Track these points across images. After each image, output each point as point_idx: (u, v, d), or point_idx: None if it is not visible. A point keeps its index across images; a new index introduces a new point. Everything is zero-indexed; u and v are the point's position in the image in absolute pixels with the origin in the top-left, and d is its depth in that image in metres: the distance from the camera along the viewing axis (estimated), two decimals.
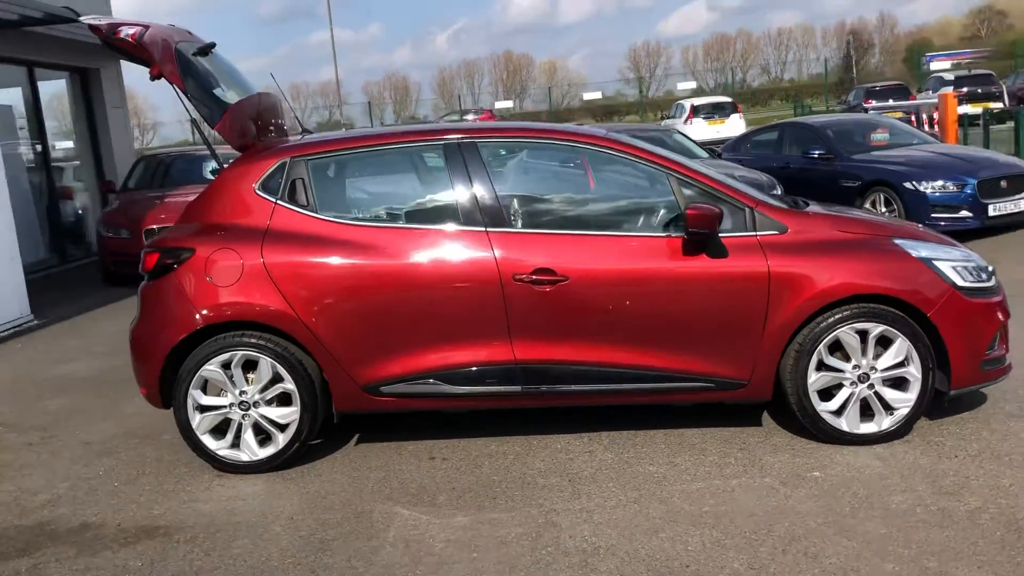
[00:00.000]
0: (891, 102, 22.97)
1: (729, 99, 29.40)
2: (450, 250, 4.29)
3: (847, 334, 4.17)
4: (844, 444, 4.26)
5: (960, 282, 4.22)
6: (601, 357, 4.27)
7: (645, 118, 46.06)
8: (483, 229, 4.30)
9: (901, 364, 4.20)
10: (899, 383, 4.25)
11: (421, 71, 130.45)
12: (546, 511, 3.83)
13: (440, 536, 3.67)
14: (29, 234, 12.51)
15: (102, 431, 5.33)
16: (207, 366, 4.32)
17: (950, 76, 26.71)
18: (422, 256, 4.29)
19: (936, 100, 15.71)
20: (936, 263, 4.22)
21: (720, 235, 4.19)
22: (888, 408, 4.25)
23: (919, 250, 4.26)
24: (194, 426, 4.38)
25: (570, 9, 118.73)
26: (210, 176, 12.03)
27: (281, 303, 4.28)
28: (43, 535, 3.95)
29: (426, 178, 4.82)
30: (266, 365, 4.32)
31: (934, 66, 38.22)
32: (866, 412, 4.27)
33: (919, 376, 4.19)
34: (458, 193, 4.38)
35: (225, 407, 4.38)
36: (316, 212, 4.41)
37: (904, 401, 4.23)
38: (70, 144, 14.79)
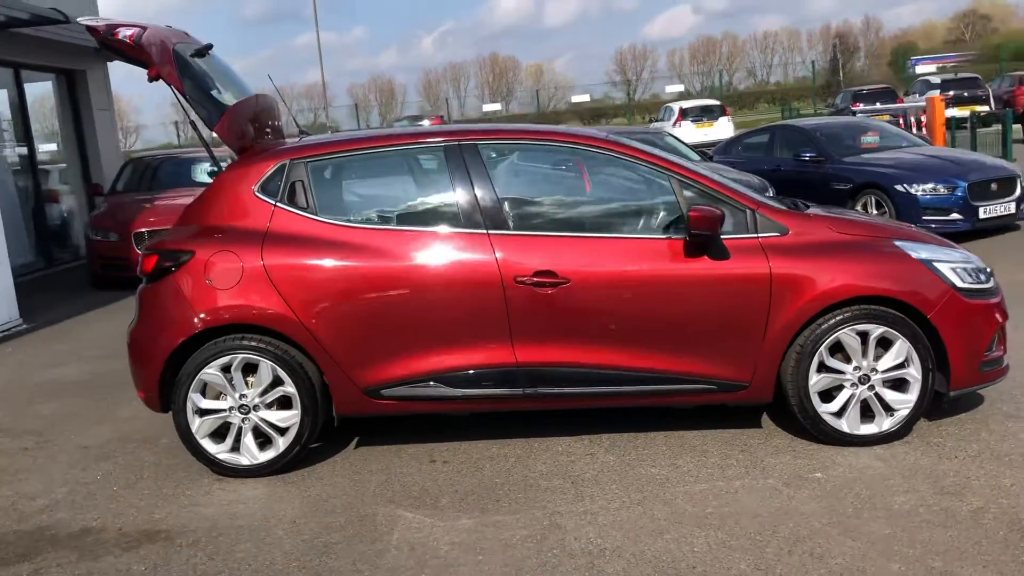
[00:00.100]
0: (878, 105, 23.14)
1: (717, 102, 29.50)
2: (451, 252, 4.28)
3: (848, 336, 4.18)
4: (844, 445, 4.28)
5: (960, 284, 4.24)
6: (602, 359, 4.27)
7: (633, 121, 46.20)
8: (484, 231, 4.29)
9: (901, 365, 4.21)
10: (899, 384, 4.27)
11: (407, 74, 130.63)
12: (550, 513, 3.82)
13: (445, 539, 3.66)
14: (16, 237, 12.41)
15: (98, 435, 5.29)
16: (207, 369, 4.29)
17: (936, 79, 26.88)
18: (423, 258, 4.28)
19: (923, 103, 15.83)
20: (936, 265, 4.25)
21: (721, 237, 4.20)
22: (888, 409, 4.27)
23: (919, 252, 4.29)
24: (193, 430, 4.35)
25: (556, 12, 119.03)
26: (197, 179, 12.00)
27: (281, 306, 4.25)
28: (43, 540, 3.92)
29: (427, 180, 4.80)
30: (266, 368, 4.29)
31: (919, 69, 38.47)
32: (866, 413, 4.29)
33: (919, 377, 4.21)
34: (459, 195, 4.37)
35: (225, 411, 4.35)
36: (316, 214, 4.39)
37: (904, 402, 4.25)
38: (56, 147, 14.69)
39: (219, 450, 4.38)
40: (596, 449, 4.49)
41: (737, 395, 4.33)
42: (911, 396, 4.24)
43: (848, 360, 4.24)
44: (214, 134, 4.66)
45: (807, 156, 10.38)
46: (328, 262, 4.28)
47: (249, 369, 4.33)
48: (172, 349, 4.30)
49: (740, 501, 3.81)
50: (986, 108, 21.39)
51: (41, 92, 14.41)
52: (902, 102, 23.40)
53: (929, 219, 8.99)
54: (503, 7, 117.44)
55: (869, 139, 10.66)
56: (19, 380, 6.88)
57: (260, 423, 4.36)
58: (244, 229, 4.38)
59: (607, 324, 4.24)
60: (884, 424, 4.27)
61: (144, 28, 4.51)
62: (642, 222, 4.51)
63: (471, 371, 4.29)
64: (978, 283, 4.31)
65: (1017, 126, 18.00)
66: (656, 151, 4.63)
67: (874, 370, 4.22)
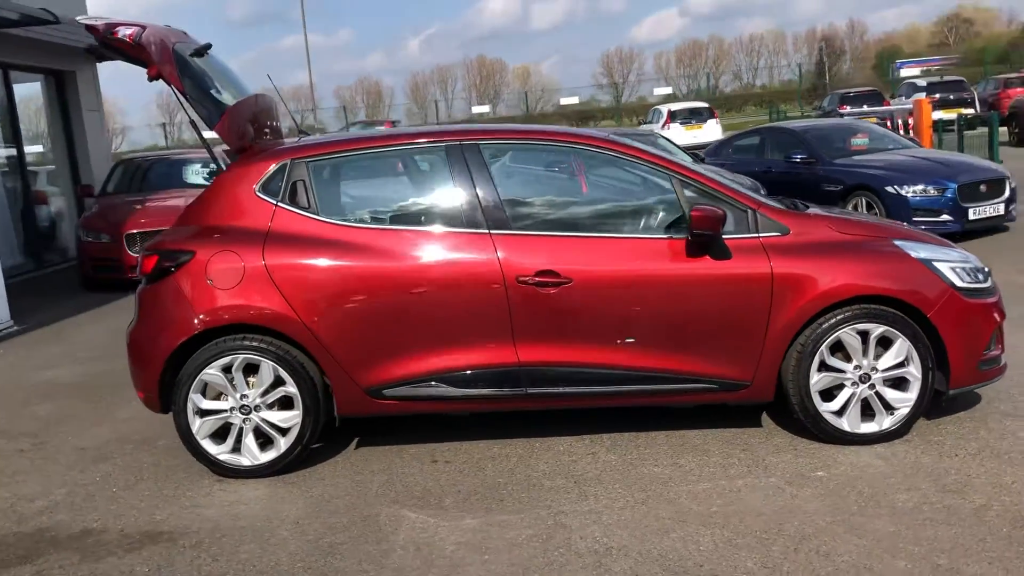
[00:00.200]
0: (865, 107, 23.27)
1: (706, 104, 29.55)
2: (453, 252, 4.28)
3: (849, 335, 4.21)
4: (845, 444, 4.30)
5: (959, 283, 4.27)
6: (604, 359, 4.27)
7: (621, 123, 46.24)
8: (486, 231, 4.29)
9: (901, 364, 4.24)
10: (899, 383, 4.29)
11: (394, 76, 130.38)
12: (554, 513, 3.82)
13: (450, 539, 3.65)
14: (4, 239, 12.35)
15: (96, 436, 5.25)
16: (207, 370, 4.27)
17: (922, 82, 27.04)
18: (425, 258, 4.27)
19: (910, 105, 15.94)
20: (935, 264, 4.28)
21: (723, 237, 4.22)
22: (889, 408, 4.29)
23: (919, 251, 4.32)
24: (194, 431, 4.33)
25: (542, 14, 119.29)
26: (189, 180, 11.95)
27: (283, 306, 4.24)
28: (44, 542, 3.89)
29: (428, 180, 4.80)
30: (267, 368, 4.28)
31: (904, 72, 38.74)
32: (867, 412, 4.31)
33: (919, 376, 4.24)
34: (461, 195, 4.37)
35: (226, 411, 4.33)
36: (317, 214, 4.38)
37: (904, 401, 4.28)
38: (44, 148, 14.58)
39: (220, 451, 4.36)
40: (598, 449, 4.49)
41: (739, 394, 4.35)
42: (911, 395, 4.27)
43: (849, 359, 4.26)
44: (214, 134, 4.64)
45: (798, 158, 10.42)
46: (330, 262, 4.27)
47: (250, 369, 4.31)
48: (172, 349, 4.28)
49: (744, 500, 3.83)
50: (972, 111, 21.55)
51: (29, 93, 14.31)
52: (888, 105, 23.55)
53: (919, 220, 9.02)
54: (490, 9, 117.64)
55: (859, 141, 10.71)
56: (13, 382, 6.82)
57: (261, 423, 4.34)
58: (245, 229, 4.37)
59: (608, 324, 4.25)
60: (884, 423, 4.30)
61: (144, 27, 4.49)
62: (644, 222, 4.52)
63: (473, 371, 4.28)
64: (977, 282, 4.34)
65: (1003, 128, 18.12)
66: (657, 152, 4.64)
67: (874, 369, 4.25)
